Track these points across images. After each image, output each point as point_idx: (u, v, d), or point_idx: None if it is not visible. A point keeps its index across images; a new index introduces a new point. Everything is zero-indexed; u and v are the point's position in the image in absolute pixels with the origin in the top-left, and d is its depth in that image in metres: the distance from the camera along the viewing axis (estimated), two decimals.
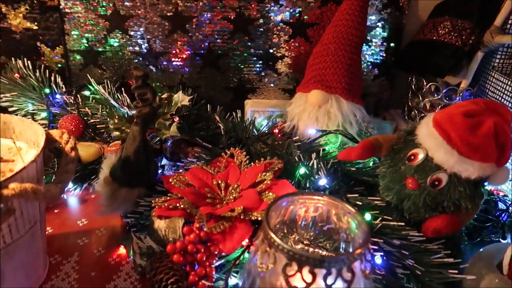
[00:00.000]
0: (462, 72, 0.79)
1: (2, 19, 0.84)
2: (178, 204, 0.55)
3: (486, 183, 0.53)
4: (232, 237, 0.51)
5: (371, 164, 0.69)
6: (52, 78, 0.84)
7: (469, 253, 0.58)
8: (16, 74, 0.82)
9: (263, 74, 0.93)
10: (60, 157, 0.65)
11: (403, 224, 0.55)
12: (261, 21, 0.88)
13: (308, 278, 0.39)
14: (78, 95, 0.82)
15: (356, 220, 0.46)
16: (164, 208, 0.55)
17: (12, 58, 0.85)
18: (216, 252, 0.51)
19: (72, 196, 0.72)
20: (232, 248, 0.51)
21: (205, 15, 0.87)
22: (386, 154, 0.57)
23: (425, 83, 0.82)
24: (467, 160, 0.49)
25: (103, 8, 0.85)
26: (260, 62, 0.92)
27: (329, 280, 0.39)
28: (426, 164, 0.51)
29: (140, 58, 0.90)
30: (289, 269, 0.40)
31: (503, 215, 0.65)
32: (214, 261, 0.52)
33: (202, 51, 0.90)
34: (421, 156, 0.52)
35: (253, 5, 0.86)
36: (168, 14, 0.86)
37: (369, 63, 0.93)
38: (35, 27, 0.85)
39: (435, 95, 0.81)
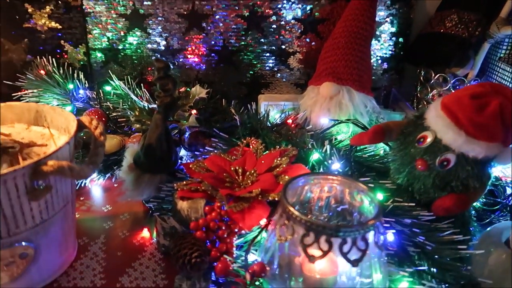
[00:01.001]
0: (469, 64, 0.81)
1: (28, 19, 0.88)
2: (199, 187, 0.58)
3: (493, 164, 0.55)
4: (251, 216, 0.54)
5: (381, 152, 0.72)
6: (75, 74, 0.88)
7: (478, 234, 0.60)
8: (42, 71, 0.86)
9: (275, 69, 0.97)
10: (85, 148, 0.70)
11: (413, 204, 0.57)
12: (273, 18, 0.92)
13: (325, 247, 0.42)
14: (100, 90, 0.86)
15: (369, 196, 0.48)
16: (186, 190, 0.58)
17: (37, 57, 0.89)
18: (236, 230, 0.54)
19: (96, 185, 0.76)
20: (251, 226, 0.53)
21: (220, 13, 0.90)
22: (396, 138, 0.60)
23: (433, 75, 0.84)
24: (474, 140, 0.51)
25: (123, 8, 0.89)
26: (273, 58, 0.95)
27: (345, 249, 0.42)
28: (435, 146, 0.54)
29: (158, 55, 0.94)
30: (307, 239, 0.43)
31: (510, 198, 0.67)
32: (234, 238, 0.55)
33: (217, 48, 0.94)
34: (430, 138, 0.54)
35: (265, 3, 0.90)
36: (185, 13, 0.90)
37: (378, 57, 0.96)
38: (59, 27, 0.90)
39: (443, 86, 0.84)
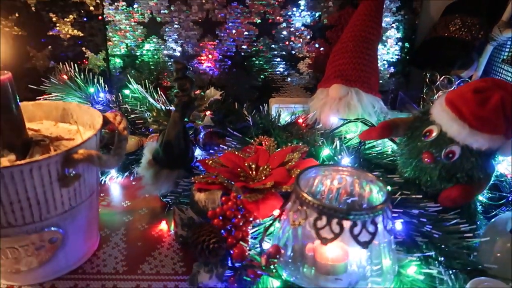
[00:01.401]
0: (473, 66, 0.84)
1: (52, 27, 0.94)
2: (215, 180, 0.61)
3: (497, 156, 0.57)
4: (265, 206, 0.57)
5: (389, 151, 0.74)
6: (95, 79, 0.93)
7: (483, 227, 0.62)
8: (64, 76, 0.91)
9: (286, 74, 1.01)
10: (106, 148, 0.74)
11: (420, 196, 0.59)
12: (284, 25, 0.96)
13: (337, 229, 0.45)
14: (119, 94, 0.90)
15: (377, 185, 0.51)
16: (203, 182, 0.61)
17: (60, 63, 0.94)
18: (251, 219, 0.57)
19: (115, 183, 0.80)
20: (265, 215, 0.56)
21: (233, 21, 0.95)
22: (403, 134, 0.63)
23: (438, 77, 0.87)
24: (478, 132, 0.53)
25: (141, 16, 0.94)
26: (283, 63, 0.99)
27: (355, 231, 0.45)
28: (440, 139, 0.56)
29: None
30: (319, 222, 0.46)
31: None
32: (250, 227, 0.57)
33: (230, 54, 0.98)
34: (435, 132, 0.57)
35: (276, 10, 0.95)
36: (199, 20, 0.95)
37: (385, 62, 0.99)
38: (81, 34, 0.95)
39: (448, 87, 0.86)
